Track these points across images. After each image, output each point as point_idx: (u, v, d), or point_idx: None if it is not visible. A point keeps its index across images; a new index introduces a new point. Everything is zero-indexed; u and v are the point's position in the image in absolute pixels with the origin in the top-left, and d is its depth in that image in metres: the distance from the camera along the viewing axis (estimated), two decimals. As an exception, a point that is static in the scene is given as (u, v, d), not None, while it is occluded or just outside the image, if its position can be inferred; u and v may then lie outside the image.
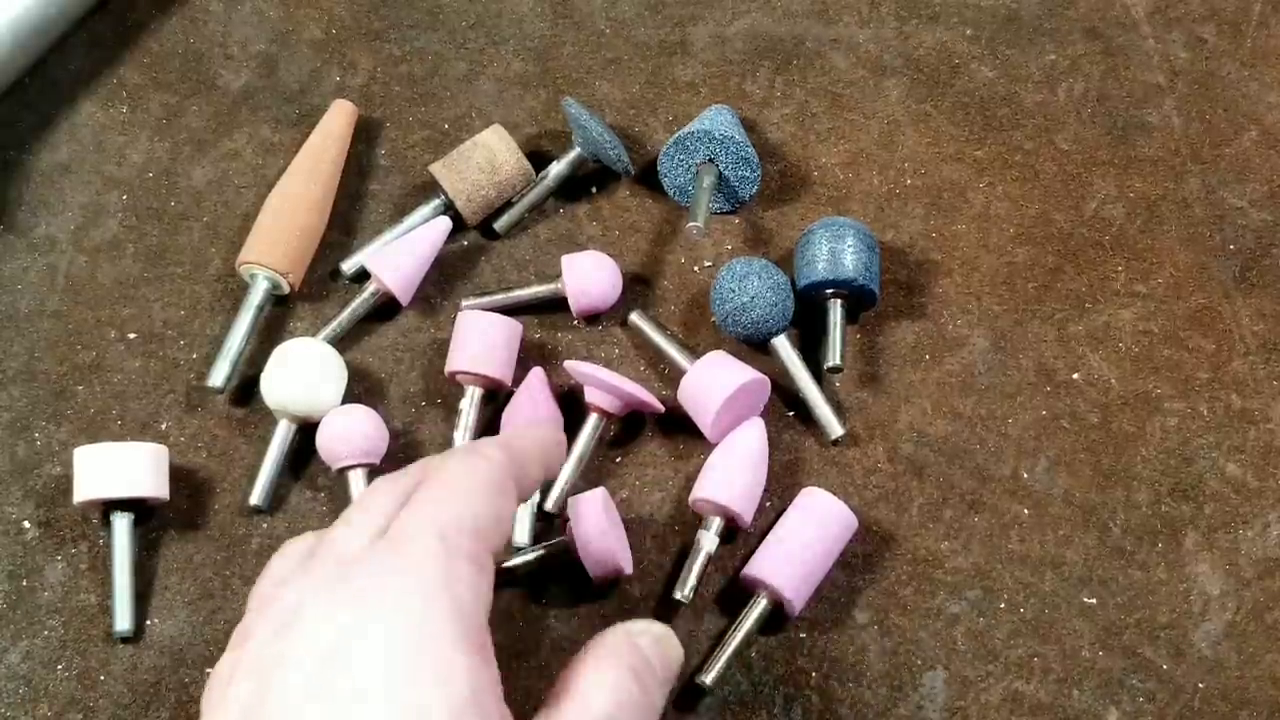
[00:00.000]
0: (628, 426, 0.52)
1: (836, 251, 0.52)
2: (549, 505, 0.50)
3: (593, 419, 0.51)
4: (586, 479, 0.51)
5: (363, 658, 0.33)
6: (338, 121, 0.57)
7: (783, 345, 0.52)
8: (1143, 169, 0.58)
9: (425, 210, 0.56)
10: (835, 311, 0.52)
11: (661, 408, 0.51)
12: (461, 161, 0.55)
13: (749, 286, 0.51)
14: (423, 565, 0.34)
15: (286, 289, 0.54)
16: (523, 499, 0.39)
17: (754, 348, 0.53)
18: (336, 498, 0.51)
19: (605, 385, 0.49)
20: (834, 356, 0.51)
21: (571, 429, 0.51)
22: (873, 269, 0.52)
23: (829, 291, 0.52)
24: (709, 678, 0.47)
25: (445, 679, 0.32)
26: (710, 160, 0.55)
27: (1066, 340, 0.54)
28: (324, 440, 0.50)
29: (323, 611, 0.34)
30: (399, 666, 0.32)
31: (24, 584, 0.49)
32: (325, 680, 0.32)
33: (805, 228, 0.56)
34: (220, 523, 0.51)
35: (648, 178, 0.57)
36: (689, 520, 0.50)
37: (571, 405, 0.52)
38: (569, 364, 0.50)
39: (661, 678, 0.38)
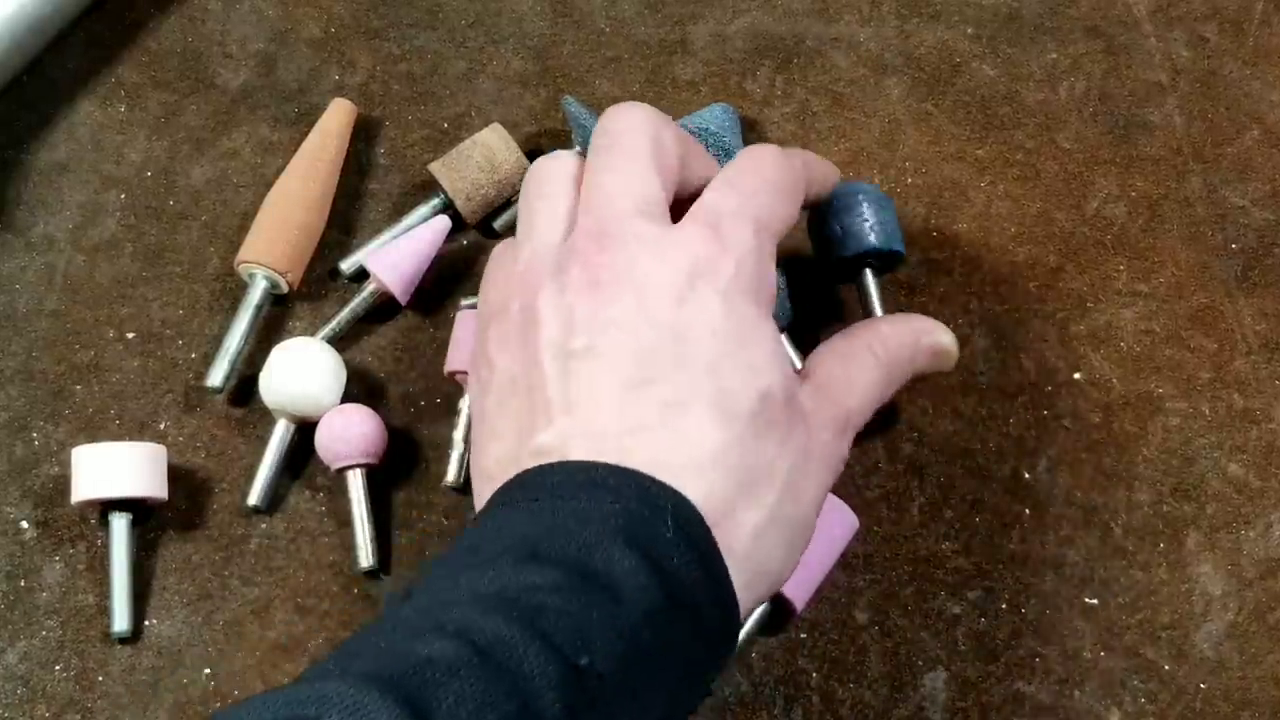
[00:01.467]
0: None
1: (853, 223, 0.51)
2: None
3: None
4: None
5: (707, 333, 0.35)
6: (337, 120, 0.57)
7: (784, 346, 0.52)
8: (1144, 168, 0.58)
9: (424, 209, 0.56)
10: (870, 282, 0.52)
11: None
12: (461, 160, 0.55)
13: None
14: (745, 258, 0.37)
15: (285, 288, 0.54)
16: (806, 205, 0.43)
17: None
18: (336, 498, 0.51)
19: None
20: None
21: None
22: (892, 230, 0.52)
23: (859, 262, 0.52)
24: (709, 678, 0.47)
25: (777, 363, 0.36)
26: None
27: (1068, 340, 0.54)
28: (323, 440, 0.50)
29: (657, 278, 0.36)
30: (745, 351, 0.36)
31: (22, 584, 0.49)
32: (673, 344, 0.35)
33: (806, 227, 0.56)
34: (219, 523, 0.51)
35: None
36: (689, 520, 0.50)
37: (571, 405, 0.52)
38: None
39: (912, 372, 0.45)
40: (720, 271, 0.36)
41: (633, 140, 0.39)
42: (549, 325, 0.37)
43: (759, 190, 0.39)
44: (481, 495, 0.38)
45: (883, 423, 0.52)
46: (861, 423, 0.42)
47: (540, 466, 0.35)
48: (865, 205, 0.51)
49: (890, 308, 0.53)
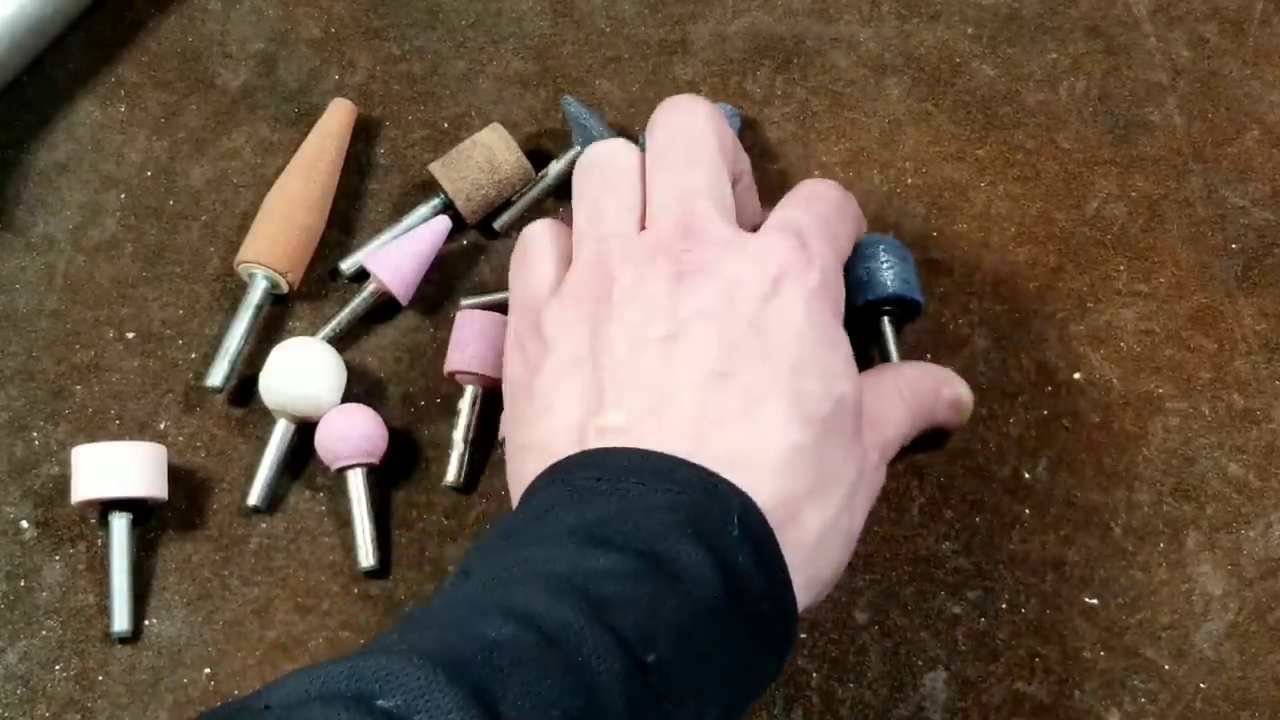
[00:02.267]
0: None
1: (873, 270, 0.51)
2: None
3: None
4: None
5: (791, 335, 0.36)
6: (337, 120, 0.57)
7: None
8: (1145, 168, 0.58)
9: (424, 209, 0.56)
10: (887, 330, 0.52)
11: None
12: (461, 160, 0.55)
13: None
14: (827, 271, 0.38)
15: (285, 288, 0.54)
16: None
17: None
18: (336, 498, 0.51)
19: None
20: None
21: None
22: (911, 280, 0.52)
23: (876, 311, 0.52)
24: (709, 678, 0.47)
25: (851, 375, 0.37)
26: None
27: (1068, 340, 0.54)
28: (323, 440, 0.50)
29: (743, 276, 0.37)
30: (825, 356, 0.36)
31: (21, 584, 0.49)
32: (757, 340, 0.36)
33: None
34: (219, 523, 0.51)
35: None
36: (689, 520, 0.50)
37: (571, 405, 0.52)
38: None
39: (932, 421, 0.45)
40: (806, 277, 0.37)
41: (705, 138, 0.40)
42: (629, 311, 0.37)
43: (832, 212, 0.40)
44: (526, 469, 0.37)
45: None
46: (892, 454, 0.43)
47: (607, 449, 0.34)
48: (885, 253, 0.51)
49: (905, 354, 0.53)
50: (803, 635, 0.48)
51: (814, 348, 0.36)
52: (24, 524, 0.50)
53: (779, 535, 0.34)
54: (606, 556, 0.31)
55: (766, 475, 0.34)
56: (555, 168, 0.56)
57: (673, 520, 0.32)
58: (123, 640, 0.48)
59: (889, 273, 0.51)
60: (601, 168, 0.43)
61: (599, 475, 0.34)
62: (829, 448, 0.36)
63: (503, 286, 0.55)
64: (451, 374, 0.52)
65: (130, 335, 0.54)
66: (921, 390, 0.44)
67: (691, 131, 0.40)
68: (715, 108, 0.41)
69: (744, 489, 0.34)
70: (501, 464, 0.52)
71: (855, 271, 0.52)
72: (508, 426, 0.41)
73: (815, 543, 0.35)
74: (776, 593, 0.34)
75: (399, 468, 0.52)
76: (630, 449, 0.34)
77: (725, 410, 0.35)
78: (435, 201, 0.55)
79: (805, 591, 0.36)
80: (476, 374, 0.51)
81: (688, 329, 0.36)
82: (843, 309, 0.39)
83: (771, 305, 0.36)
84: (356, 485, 0.50)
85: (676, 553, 0.31)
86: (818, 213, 0.40)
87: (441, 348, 0.53)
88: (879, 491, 0.41)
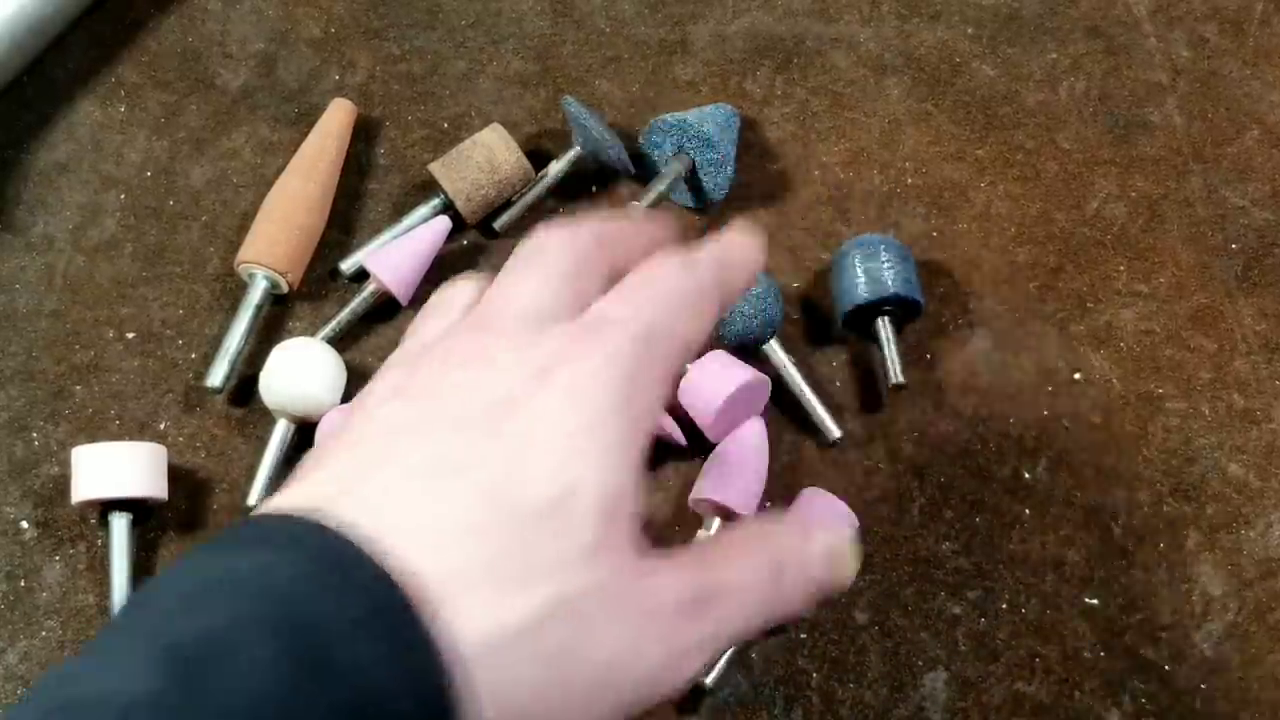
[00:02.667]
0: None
1: (873, 270, 0.51)
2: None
3: None
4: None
5: (537, 421, 0.31)
6: (337, 120, 0.57)
7: (774, 351, 0.52)
8: (1144, 168, 0.58)
9: (425, 209, 0.55)
10: (885, 329, 0.52)
11: (684, 441, 0.50)
12: (461, 161, 0.55)
13: None
14: (618, 359, 0.33)
15: (285, 288, 0.54)
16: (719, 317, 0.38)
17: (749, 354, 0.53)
18: (335, 498, 0.51)
19: None
20: (895, 375, 0.51)
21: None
22: (912, 279, 0.52)
23: (875, 310, 0.52)
24: (709, 678, 0.46)
25: (607, 475, 0.31)
26: (685, 153, 0.55)
27: (1068, 340, 0.54)
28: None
29: (509, 364, 0.32)
30: (568, 444, 0.31)
31: (22, 584, 0.49)
32: (494, 422, 0.31)
33: (807, 227, 0.56)
34: (219, 523, 0.50)
35: (648, 177, 0.57)
36: (689, 520, 0.50)
37: (571, 405, 0.52)
38: None
39: (816, 586, 0.35)
40: (580, 364, 0.32)
41: (549, 253, 0.36)
42: (380, 385, 0.34)
43: (653, 302, 0.34)
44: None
45: (883, 423, 0.52)
46: (731, 624, 0.33)
47: (274, 512, 0.30)
48: (885, 253, 0.51)
49: (905, 354, 0.53)
50: (803, 635, 0.48)
51: (557, 434, 0.31)
52: (24, 524, 0.50)
53: (441, 612, 0.28)
54: (144, 665, 0.26)
55: (431, 541, 0.29)
56: (555, 168, 0.56)
57: (255, 605, 0.27)
58: (123, 640, 0.48)
59: (889, 273, 0.51)
60: (431, 303, 0.39)
61: (233, 537, 0.30)
62: (537, 538, 0.30)
63: (503, 286, 0.55)
64: (451, 374, 0.52)
65: (130, 335, 0.54)
66: (784, 545, 0.36)
67: (537, 247, 0.36)
68: (588, 233, 0.36)
69: (402, 560, 0.28)
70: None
71: (855, 272, 0.52)
72: None
73: (497, 638, 0.29)
74: (407, 674, 0.27)
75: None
76: (278, 514, 0.30)
77: (415, 480, 0.30)
78: (435, 201, 0.55)
79: (492, 703, 0.28)
80: (476, 374, 0.51)
81: (419, 402, 0.32)
82: (646, 417, 0.33)
83: (528, 388, 0.32)
84: (356, 485, 0.50)
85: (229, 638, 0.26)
86: (634, 301, 0.35)
87: (441, 348, 0.53)
88: (681, 656, 0.31)
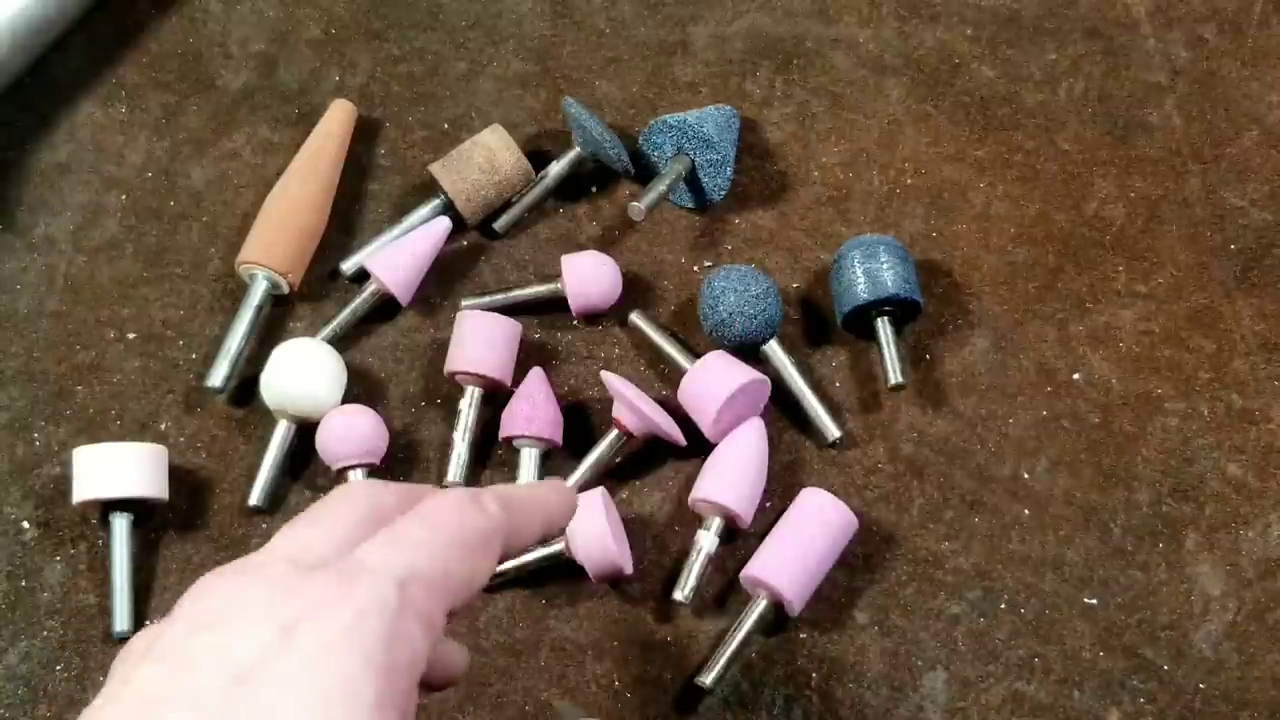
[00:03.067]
0: (628, 427, 0.52)
1: (873, 271, 0.51)
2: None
3: (614, 435, 0.50)
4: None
5: (278, 691, 0.30)
6: (337, 121, 0.57)
7: (774, 352, 0.52)
8: (1143, 169, 0.58)
9: (425, 210, 0.56)
10: (884, 330, 0.52)
11: (684, 441, 0.50)
12: (461, 161, 0.55)
13: (726, 303, 0.50)
14: (369, 613, 0.31)
15: (286, 289, 0.54)
16: (509, 557, 0.36)
17: (749, 354, 0.53)
18: (336, 498, 0.51)
19: (636, 410, 0.49)
20: (894, 375, 0.51)
21: (571, 432, 0.51)
22: (911, 280, 0.52)
23: (874, 311, 0.52)
24: (709, 678, 0.47)
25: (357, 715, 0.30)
26: (685, 153, 0.55)
27: (1067, 340, 0.54)
28: (323, 440, 0.50)
29: (254, 619, 0.31)
30: (315, 710, 0.29)
31: (23, 584, 0.49)
32: (233, 699, 0.30)
33: (806, 227, 0.56)
34: (220, 523, 0.51)
35: (648, 177, 0.57)
36: (689, 520, 0.50)
37: (573, 408, 0.52)
38: (606, 376, 0.50)
39: (546, 517, 0.36)
40: (329, 622, 0.31)
41: (335, 500, 0.35)
42: (133, 646, 0.33)
43: (419, 544, 0.33)
44: None
45: (883, 423, 0.52)
46: None
47: None
48: (885, 254, 0.52)
49: (905, 354, 0.53)
50: (803, 636, 0.48)
51: (299, 701, 0.30)
52: (25, 524, 0.50)
53: None
54: None
55: None
56: (555, 168, 0.56)
57: None
58: (123, 640, 0.48)
59: (889, 273, 0.51)
60: None
61: None
62: None
63: (503, 287, 0.55)
64: (451, 374, 0.52)
65: (131, 336, 0.54)
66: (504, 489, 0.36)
67: (346, 489, 0.35)
68: (376, 488, 0.35)
69: None
70: (502, 464, 0.52)
71: (855, 272, 0.52)
72: None
73: None
74: None
75: (399, 468, 0.52)
76: None
77: None
78: (435, 202, 0.56)
79: None
80: (476, 374, 0.51)
81: (167, 669, 0.31)
82: (408, 664, 0.32)
83: (270, 651, 0.30)
84: (357, 485, 0.50)
85: None
86: (401, 545, 0.33)
87: (441, 348, 0.53)
88: None
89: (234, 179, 0.57)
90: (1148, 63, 0.60)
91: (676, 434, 0.50)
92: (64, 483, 0.51)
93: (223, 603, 0.32)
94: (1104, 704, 0.48)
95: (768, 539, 0.48)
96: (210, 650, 0.31)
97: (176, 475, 0.51)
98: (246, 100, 0.59)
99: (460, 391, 0.52)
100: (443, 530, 0.33)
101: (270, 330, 0.54)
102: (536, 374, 0.52)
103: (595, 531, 0.47)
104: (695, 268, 0.55)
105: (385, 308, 0.54)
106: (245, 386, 0.53)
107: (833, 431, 0.51)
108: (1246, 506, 0.51)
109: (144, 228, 0.56)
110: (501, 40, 0.61)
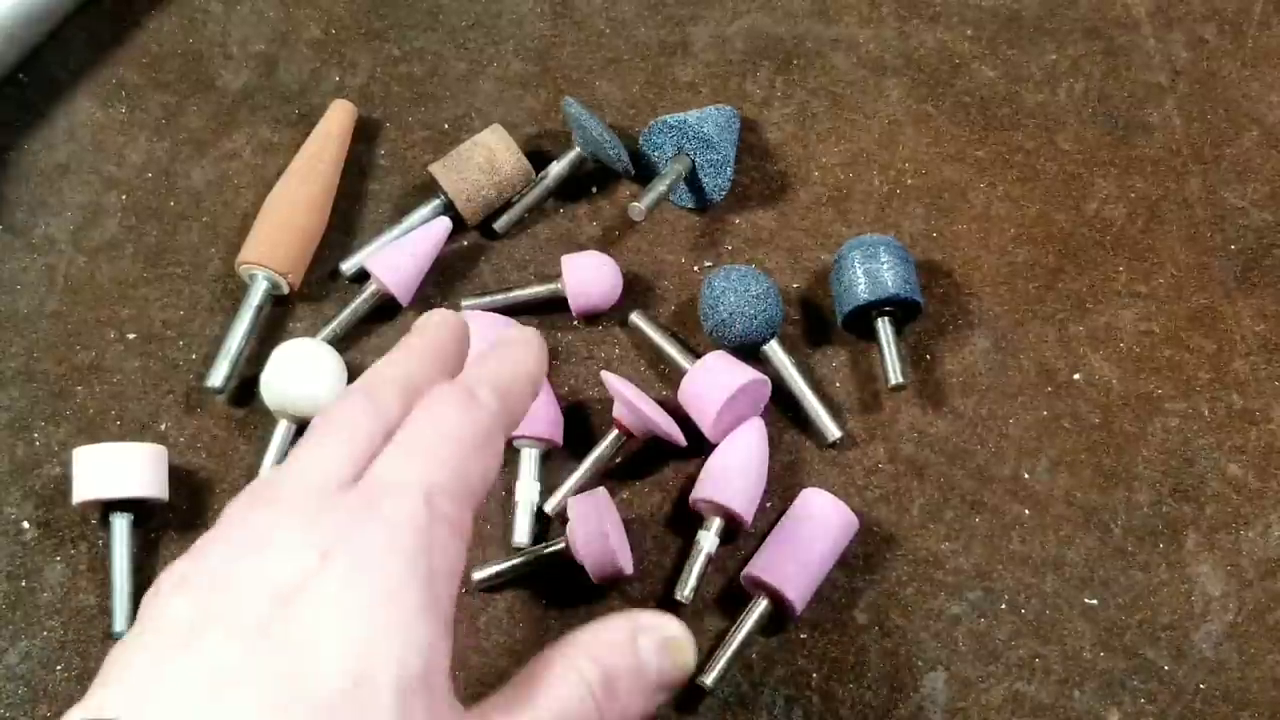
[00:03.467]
0: (628, 427, 0.52)
1: (873, 271, 0.51)
2: (549, 508, 0.50)
3: (613, 434, 0.50)
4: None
5: (321, 608, 0.30)
6: (337, 121, 0.57)
7: (774, 352, 0.52)
8: (1144, 169, 0.58)
9: (425, 210, 0.56)
10: (885, 330, 0.52)
11: (684, 442, 0.50)
12: (461, 161, 0.55)
13: (726, 303, 0.50)
14: (402, 527, 0.32)
15: (286, 289, 0.54)
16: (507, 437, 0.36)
17: (749, 354, 0.53)
18: (336, 498, 0.51)
19: (636, 410, 0.49)
20: (894, 375, 0.51)
21: (571, 432, 0.51)
22: (911, 280, 0.52)
23: (874, 311, 0.52)
24: (709, 678, 0.47)
25: (401, 651, 0.30)
26: (685, 153, 0.55)
27: (1067, 340, 0.54)
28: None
29: (292, 545, 0.31)
30: (356, 628, 0.30)
31: (23, 584, 0.49)
32: (276, 619, 0.30)
33: (807, 227, 0.56)
34: (220, 523, 0.51)
35: (648, 177, 0.57)
36: (689, 520, 0.50)
37: (573, 408, 0.52)
38: (607, 376, 0.50)
39: (656, 683, 0.34)
40: (363, 543, 0.31)
41: (340, 416, 0.35)
42: (170, 576, 0.32)
43: (435, 457, 0.33)
44: None
45: (883, 423, 0.52)
46: None
47: None
48: (885, 254, 0.52)
49: (905, 355, 0.53)
50: (803, 635, 0.48)
51: (344, 619, 0.30)
52: (25, 524, 0.50)
53: None
54: None
55: None
56: (555, 169, 0.56)
57: None
58: (124, 641, 0.48)
59: (889, 273, 0.51)
60: None
61: None
62: None
63: (503, 287, 0.55)
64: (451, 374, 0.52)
65: (131, 336, 0.54)
66: (609, 649, 0.34)
67: (331, 413, 0.35)
68: (375, 394, 0.35)
69: None
70: (502, 463, 0.52)
71: (855, 272, 0.52)
72: None
73: None
74: None
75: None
76: None
77: (190, 695, 0.29)
78: (435, 202, 0.56)
79: None
80: (477, 374, 0.51)
81: (203, 598, 0.31)
82: (449, 574, 0.32)
83: (308, 575, 0.31)
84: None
85: None
86: (415, 455, 0.34)
87: (442, 348, 0.53)
88: None
89: (234, 179, 0.57)
90: (1148, 63, 0.60)
91: (676, 434, 0.50)
92: (64, 483, 0.51)
93: (257, 530, 0.32)
94: (1104, 704, 0.48)
95: (768, 539, 0.48)
96: (249, 575, 0.31)
97: (176, 475, 0.51)
98: (246, 100, 0.59)
99: (460, 392, 0.52)
100: (452, 434, 0.34)
101: (270, 330, 0.54)
102: (536, 374, 0.52)
103: (595, 531, 0.47)
104: (695, 268, 0.55)
105: (385, 308, 0.54)
106: (245, 387, 0.53)
107: (833, 432, 0.51)
108: (1247, 507, 0.51)
109: (144, 228, 0.56)
110: (501, 40, 0.61)
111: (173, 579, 0.32)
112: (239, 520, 0.33)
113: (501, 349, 0.38)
